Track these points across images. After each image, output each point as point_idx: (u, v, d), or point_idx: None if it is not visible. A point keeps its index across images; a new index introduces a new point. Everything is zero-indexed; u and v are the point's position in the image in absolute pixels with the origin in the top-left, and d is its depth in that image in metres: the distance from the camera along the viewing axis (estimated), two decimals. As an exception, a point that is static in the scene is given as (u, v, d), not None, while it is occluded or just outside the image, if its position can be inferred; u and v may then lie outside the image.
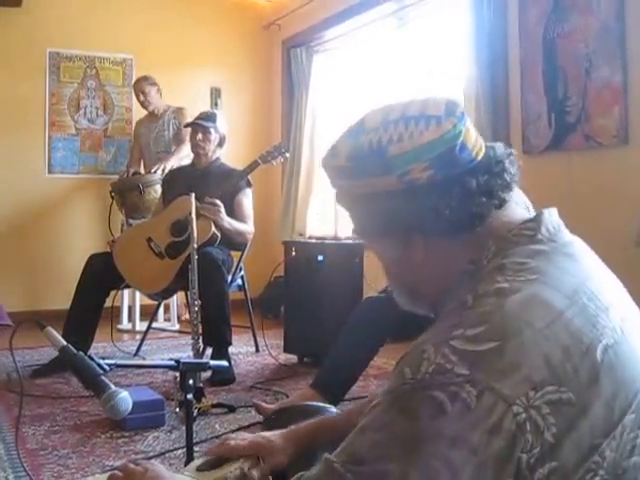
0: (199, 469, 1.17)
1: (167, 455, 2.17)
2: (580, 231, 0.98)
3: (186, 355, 3.45)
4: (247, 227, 3.55)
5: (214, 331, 3.22)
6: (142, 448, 2.24)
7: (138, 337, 4.03)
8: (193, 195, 3.10)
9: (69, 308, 3.36)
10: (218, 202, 3.33)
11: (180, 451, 2.16)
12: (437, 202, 0.87)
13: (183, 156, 4.55)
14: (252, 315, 3.83)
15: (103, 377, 1.27)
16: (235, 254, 3.63)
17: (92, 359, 1.30)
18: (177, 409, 2.41)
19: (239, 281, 3.74)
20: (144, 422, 2.40)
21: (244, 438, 1.23)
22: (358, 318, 2.55)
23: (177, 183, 3.66)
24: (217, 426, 2.47)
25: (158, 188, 4.30)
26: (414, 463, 0.72)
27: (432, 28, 4.29)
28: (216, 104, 5.51)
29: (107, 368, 1.30)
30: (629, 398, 0.79)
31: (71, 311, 3.35)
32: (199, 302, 2.99)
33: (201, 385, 2.67)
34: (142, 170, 4.88)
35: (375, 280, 3.20)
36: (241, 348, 3.88)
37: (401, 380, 0.78)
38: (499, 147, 0.93)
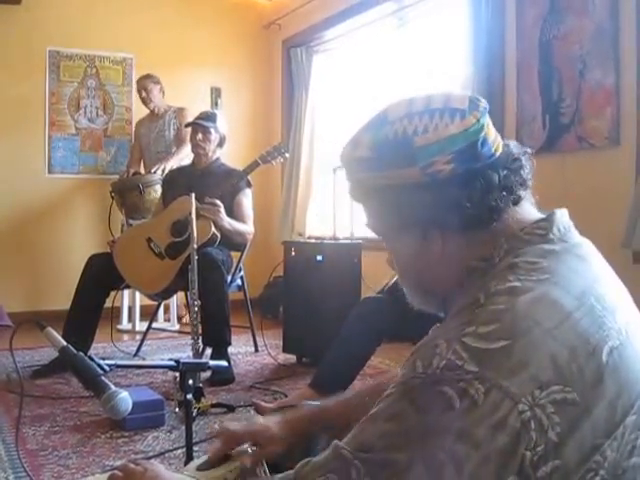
0: (199, 468, 1.17)
1: (167, 455, 2.18)
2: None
3: (186, 355, 3.46)
4: (247, 227, 3.56)
5: (213, 331, 3.22)
6: (142, 448, 2.24)
7: (138, 337, 4.04)
8: (193, 195, 3.10)
9: (69, 308, 3.36)
10: (218, 202, 3.33)
11: (180, 451, 2.17)
12: (458, 195, 0.86)
13: (183, 156, 4.55)
14: (251, 315, 3.84)
15: (103, 377, 1.27)
16: (235, 254, 3.63)
17: (92, 359, 1.30)
18: (177, 409, 2.42)
19: (239, 281, 3.74)
20: (144, 422, 2.41)
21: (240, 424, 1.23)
22: (356, 318, 2.57)
23: (177, 183, 3.66)
24: (217, 426, 2.47)
25: (158, 188, 4.30)
26: (420, 455, 0.75)
27: (432, 28, 4.30)
28: (216, 104, 5.50)
29: (107, 368, 1.30)
30: (631, 399, 0.80)
31: (71, 311, 3.34)
32: (199, 302, 3.00)
33: (201, 385, 2.68)
34: (142, 170, 4.88)
35: (373, 280, 3.20)
36: (240, 348, 3.88)
37: (413, 373, 0.80)
38: (514, 145, 0.93)
